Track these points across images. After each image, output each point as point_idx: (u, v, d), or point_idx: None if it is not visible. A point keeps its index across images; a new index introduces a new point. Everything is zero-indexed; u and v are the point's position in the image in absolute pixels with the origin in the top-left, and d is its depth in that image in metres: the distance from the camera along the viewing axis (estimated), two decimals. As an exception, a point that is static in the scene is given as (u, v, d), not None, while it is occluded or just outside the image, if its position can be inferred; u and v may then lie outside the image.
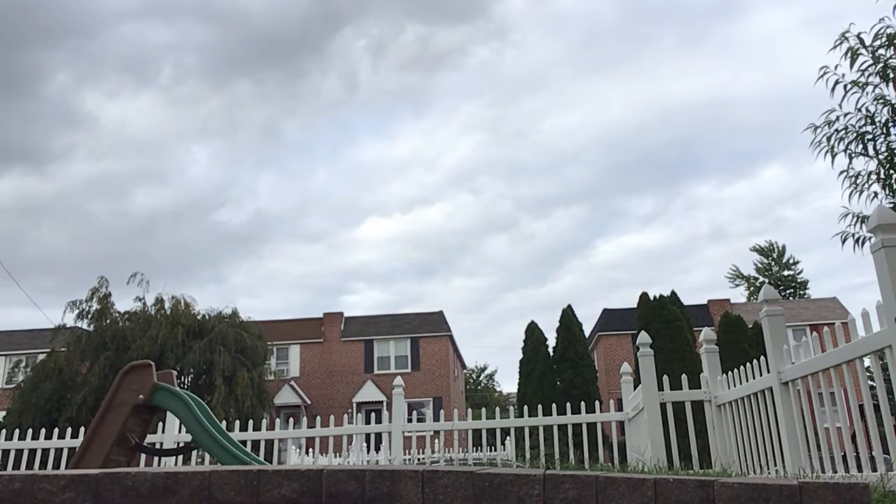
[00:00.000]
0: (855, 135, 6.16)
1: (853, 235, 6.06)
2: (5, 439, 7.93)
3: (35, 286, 66.30)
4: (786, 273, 55.14)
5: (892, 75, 5.93)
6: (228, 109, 60.16)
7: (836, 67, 6.08)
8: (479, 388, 61.92)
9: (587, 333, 26.90)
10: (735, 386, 5.14)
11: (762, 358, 4.52)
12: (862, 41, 5.97)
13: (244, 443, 6.72)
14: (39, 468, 7.33)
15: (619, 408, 7.09)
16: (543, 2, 68.04)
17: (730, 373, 5.29)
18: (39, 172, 57.55)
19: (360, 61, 65.10)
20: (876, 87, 6.04)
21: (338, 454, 15.74)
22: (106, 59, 54.32)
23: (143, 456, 6.36)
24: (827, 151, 6.25)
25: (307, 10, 61.77)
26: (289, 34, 61.42)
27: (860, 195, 6.16)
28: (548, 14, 68.32)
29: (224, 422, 6.73)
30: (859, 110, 6.13)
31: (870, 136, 6.12)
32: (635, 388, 6.66)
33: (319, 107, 66.88)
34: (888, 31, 5.84)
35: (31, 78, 51.17)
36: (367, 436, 8.10)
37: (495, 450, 8.30)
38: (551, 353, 21.62)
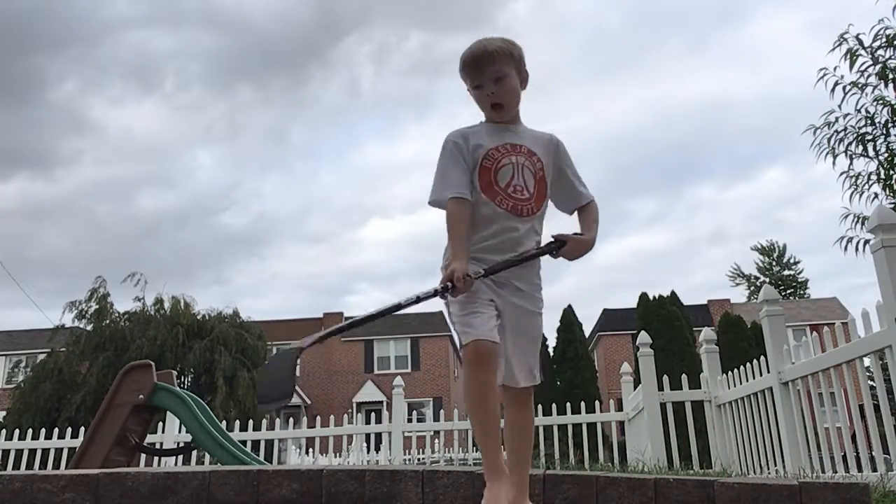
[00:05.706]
0: (855, 136, 6.15)
1: (852, 240, 6.06)
2: (5, 439, 7.94)
3: (39, 288, 66.22)
4: (786, 273, 55.07)
5: (891, 76, 5.92)
6: (232, 115, 60.18)
7: (835, 69, 6.08)
8: (479, 388, 61.79)
9: (587, 333, 26.88)
10: (735, 386, 5.14)
11: (762, 358, 4.52)
12: (861, 42, 5.97)
13: (244, 443, 6.72)
14: (39, 468, 7.33)
15: (619, 408, 7.09)
16: (547, 9, 67.97)
17: (730, 373, 5.29)
18: (46, 177, 57.59)
19: (363, 67, 64.95)
20: (875, 87, 6.05)
21: (338, 454, 15.73)
22: (111, 65, 54.35)
23: (143, 456, 6.35)
24: (827, 153, 6.25)
25: (311, 18, 61.77)
26: (292, 41, 61.41)
27: (861, 196, 6.16)
28: (552, 20, 68.24)
29: (224, 422, 6.73)
30: (859, 111, 6.13)
31: (870, 137, 6.12)
32: (635, 388, 6.66)
33: (323, 111, 66.74)
34: (887, 32, 5.85)
35: (38, 84, 51.23)
36: (367, 436, 8.10)
37: (495, 450, 8.27)
38: (551, 353, 21.60)
